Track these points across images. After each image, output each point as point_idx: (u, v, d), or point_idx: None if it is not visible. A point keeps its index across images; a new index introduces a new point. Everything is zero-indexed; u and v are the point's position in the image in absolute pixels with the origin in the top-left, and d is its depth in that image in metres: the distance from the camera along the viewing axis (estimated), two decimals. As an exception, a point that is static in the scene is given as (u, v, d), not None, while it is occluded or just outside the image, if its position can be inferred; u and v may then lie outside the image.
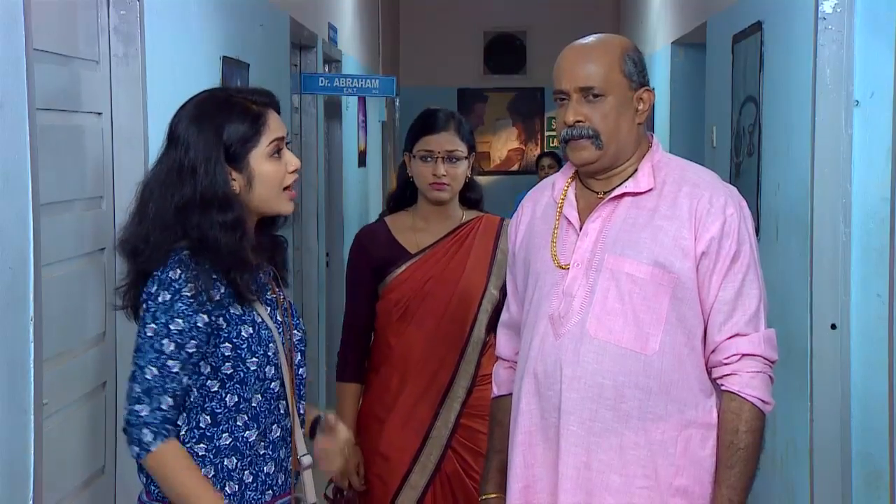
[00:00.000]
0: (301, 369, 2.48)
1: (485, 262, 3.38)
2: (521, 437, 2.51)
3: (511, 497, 2.53)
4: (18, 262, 2.27)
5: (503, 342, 2.75)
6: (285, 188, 2.41)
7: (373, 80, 6.85)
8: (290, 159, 2.42)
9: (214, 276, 2.29)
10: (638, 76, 2.48)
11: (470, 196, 3.46)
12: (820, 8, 3.77)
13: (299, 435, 2.46)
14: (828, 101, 3.79)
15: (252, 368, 2.33)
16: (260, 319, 2.36)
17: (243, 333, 2.32)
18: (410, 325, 3.37)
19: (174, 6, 3.57)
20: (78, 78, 2.90)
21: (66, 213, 2.80)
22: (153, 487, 2.34)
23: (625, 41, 2.54)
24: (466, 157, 3.38)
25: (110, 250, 3.05)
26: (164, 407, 2.26)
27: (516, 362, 2.62)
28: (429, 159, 3.35)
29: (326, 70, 6.86)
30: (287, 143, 2.44)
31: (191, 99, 2.41)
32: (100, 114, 3.05)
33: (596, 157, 2.48)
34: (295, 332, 2.47)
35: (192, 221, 2.30)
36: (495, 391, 2.75)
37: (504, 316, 2.75)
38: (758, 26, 4.58)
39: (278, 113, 2.45)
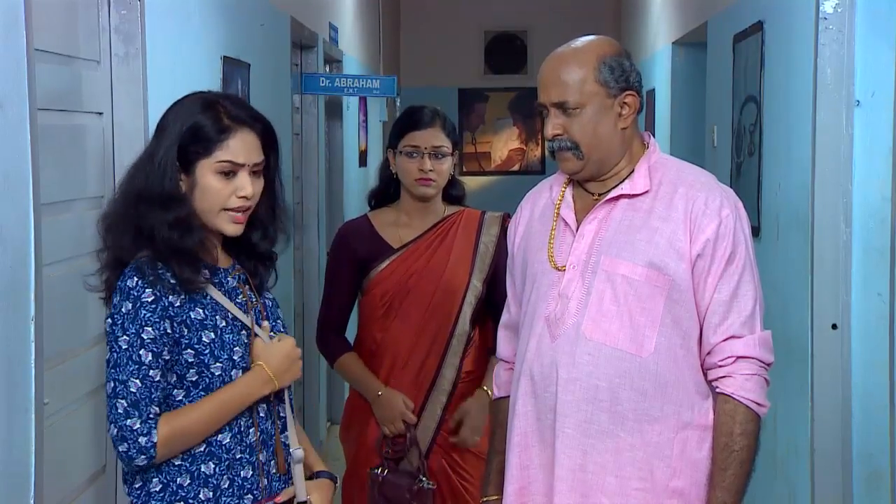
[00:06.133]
0: None
1: (467, 256, 3.40)
2: (517, 438, 2.52)
3: (507, 498, 2.53)
4: (18, 262, 2.27)
5: (503, 343, 2.74)
6: (228, 209, 2.34)
7: (374, 81, 6.84)
8: (243, 186, 2.33)
9: (173, 281, 2.27)
10: (617, 82, 2.45)
11: (452, 193, 3.49)
12: (821, 8, 3.77)
13: (290, 432, 2.42)
14: (828, 101, 3.79)
15: (216, 374, 2.30)
16: (223, 324, 2.33)
17: (204, 339, 2.30)
18: (395, 319, 3.39)
19: (175, 6, 3.57)
20: (79, 78, 2.90)
21: (66, 212, 2.79)
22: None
23: (603, 46, 2.48)
24: (451, 154, 3.42)
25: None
26: (152, 416, 2.24)
27: (517, 363, 2.62)
28: (415, 155, 3.39)
29: (327, 70, 6.86)
30: (255, 171, 2.35)
31: (188, 94, 2.43)
32: (101, 113, 3.05)
33: (579, 167, 2.48)
34: (271, 334, 2.44)
35: (140, 210, 2.30)
36: (496, 392, 2.75)
37: (504, 317, 2.75)
38: (758, 26, 4.58)
39: (262, 138, 2.37)
